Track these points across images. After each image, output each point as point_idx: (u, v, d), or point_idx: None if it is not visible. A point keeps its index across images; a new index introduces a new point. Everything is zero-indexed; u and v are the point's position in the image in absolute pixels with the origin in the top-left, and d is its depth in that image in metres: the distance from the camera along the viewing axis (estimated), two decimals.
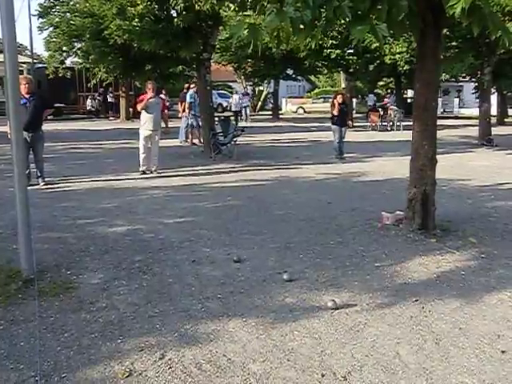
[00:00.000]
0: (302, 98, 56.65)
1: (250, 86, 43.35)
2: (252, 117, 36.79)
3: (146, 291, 5.52)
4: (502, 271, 6.15)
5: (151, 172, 13.19)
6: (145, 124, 13.10)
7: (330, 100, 16.93)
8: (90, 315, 4.93)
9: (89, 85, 34.14)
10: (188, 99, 19.93)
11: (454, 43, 21.56)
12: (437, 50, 7.40)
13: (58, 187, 11.37)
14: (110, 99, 38.27)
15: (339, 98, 15.76)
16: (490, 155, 17.76)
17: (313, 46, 6.46)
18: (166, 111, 13.76)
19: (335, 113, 15.61)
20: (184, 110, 20.75)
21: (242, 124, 29.40)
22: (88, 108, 39.20)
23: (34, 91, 11.57)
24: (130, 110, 32.31)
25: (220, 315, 4.93)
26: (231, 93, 35.27)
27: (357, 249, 6.98)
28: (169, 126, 14.09)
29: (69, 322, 4.78)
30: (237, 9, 8.58)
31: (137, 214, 8.95)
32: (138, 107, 13.19)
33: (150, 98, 13.02)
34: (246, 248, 7.01)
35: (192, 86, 21.81)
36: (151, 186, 11.47)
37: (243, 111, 34.88)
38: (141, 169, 13.14)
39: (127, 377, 3.93)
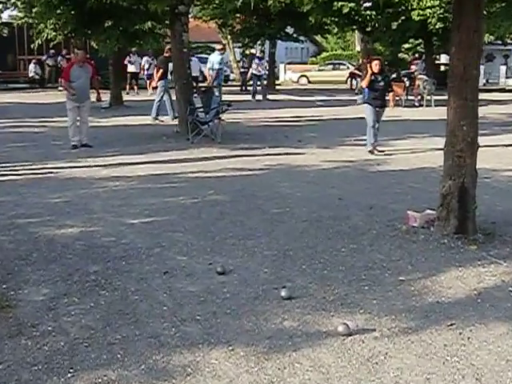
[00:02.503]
0: (305, 64, 56.65)
1: (239, 48, 43.26)
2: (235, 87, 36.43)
3: (105, 311, 5.49)
4: None
5: (84, 146, 14.63)
6: (70, 95, 14.42)
7: (345, 67, 16.52)
8: (31, 341, 4.90)
9: (32, 46, 33.85)
10: (216, 64, 20.24)
11: None
12: (479, 3, 7.39)
13: None
14: (63, 64, 37.87)
15: (375, 65, 14.25)
16: None
17: None
18: (97, 77, 15.46)
19: (364, 84, 14.77)
20: (160, 79, 20.78)
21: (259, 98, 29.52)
22: (31, 75, 38.95)
23: None
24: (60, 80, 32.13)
25: (199, 342, 4.91)
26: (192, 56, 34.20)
27: (375, 258, 6.99)
28: (101, 95, 15.82)
29: (4, 350, 4.75)
30: None
31: (93, 211, 8.92)
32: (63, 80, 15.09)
33: (72, 65, 14.85)
34: (232, 256, 7.00)
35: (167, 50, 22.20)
36: (111, 176, 11.44)
37: (254, 81, 32.02)
38: (72, 143, 14.65)
39: None
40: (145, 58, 33.43)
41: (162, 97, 20.79)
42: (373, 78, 14.16)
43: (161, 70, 21.03)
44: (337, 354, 4.75)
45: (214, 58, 20.81)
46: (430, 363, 4.63)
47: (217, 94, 20.72)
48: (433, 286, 6.17)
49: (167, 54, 21.85)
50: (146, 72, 33.74)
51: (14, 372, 4.44)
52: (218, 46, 22.48)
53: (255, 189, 10.47)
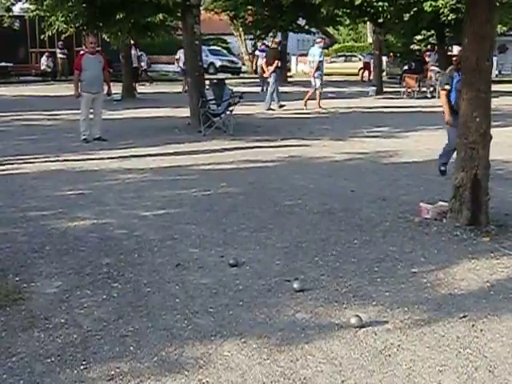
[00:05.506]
0: None
1: (250, 40, 43.14)
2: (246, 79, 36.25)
3: (117, 303, 5.50)
4: None
5: (98, 139, 14.55)
6: (84, 86, 14.36)
7: (357, 59, 16.14)
8: (44, 334, 4.91)
9: (42, 36, 33.77)
10: (317, 57, 21.65)
11: None
12: None
13: (3, 169, 11.36)
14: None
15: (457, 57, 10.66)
16: None
17: None
18: (109, 70, 15.33)
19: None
20: (275, 70, 22.20)
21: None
22: (42, 68, 39.00)
23: None
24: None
25: (212, 335, 4.92)
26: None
27: (388, 250, 6.97)
28: (111, 89, 15.61)
29: (18, 342, 4.77)
30: None
31: (105, 204, 8.93)
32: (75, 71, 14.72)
33: (84, 53, 14.80)
34: (244, 248, 7.01)
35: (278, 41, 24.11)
36: (123, 169, 11.45)
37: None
38: (83, 137, 14.50)
39: None
40: (181, 51, 32.76)
41: (276, 86, 22.21)
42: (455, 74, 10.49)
43: (277, 61, 22.46)
44: (349, 346, 4.74)
45: (315, 51, 21.77)
46: (442, 355, 4.62)
47: (318, 84, 21.86)
48: (445, 278, 6.15)
49: (276, 45, 23.28)
50: (181, 65, 32.89)
51: (27, 364, 4.45)
52: (318, 40, 23.56)
53: (267, 181, 10.46)
